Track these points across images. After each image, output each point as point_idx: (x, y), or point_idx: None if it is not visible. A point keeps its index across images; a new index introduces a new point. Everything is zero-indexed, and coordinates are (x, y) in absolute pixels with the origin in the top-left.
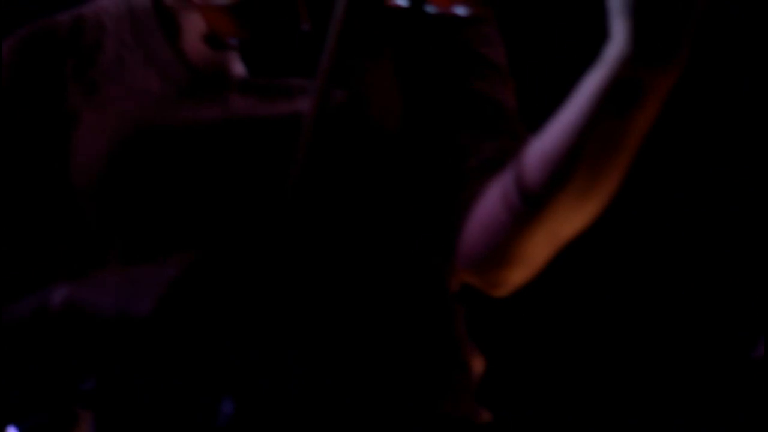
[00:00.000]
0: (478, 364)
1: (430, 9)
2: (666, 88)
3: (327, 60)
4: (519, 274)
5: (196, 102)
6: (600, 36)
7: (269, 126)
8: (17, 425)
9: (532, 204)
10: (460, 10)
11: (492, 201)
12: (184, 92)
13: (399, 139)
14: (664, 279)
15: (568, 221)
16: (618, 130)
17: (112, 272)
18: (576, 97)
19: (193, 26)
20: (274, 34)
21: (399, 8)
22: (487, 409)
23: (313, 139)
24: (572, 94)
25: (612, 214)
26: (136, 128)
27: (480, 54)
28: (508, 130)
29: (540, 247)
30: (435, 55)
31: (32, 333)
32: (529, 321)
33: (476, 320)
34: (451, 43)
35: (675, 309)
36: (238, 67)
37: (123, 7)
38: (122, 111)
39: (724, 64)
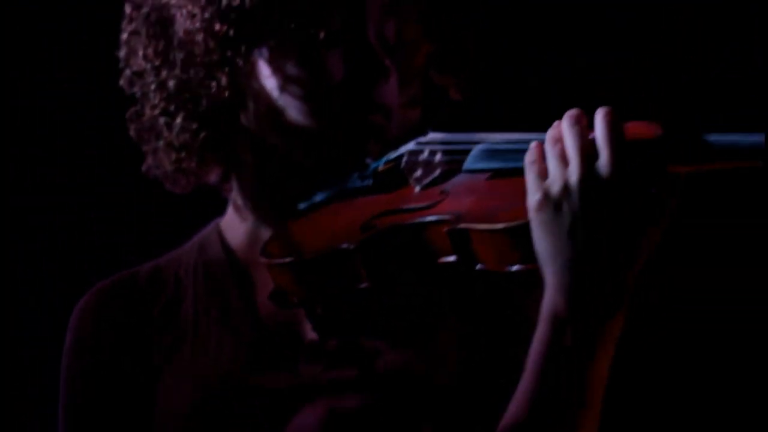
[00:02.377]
0: None
1: (480, 266)
2: (604, 336)
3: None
4: None
5: (266, 366)
6: None
7: (334, 391)
8: None
9: None
10: (514, 268)
11: None
12: (257, 355)
13: (456, 393)
14: None
15: None
16: (571, 377)
17: None
18: (531, 348)
19: (266, 282)
20: (333, 292)
21: (450, 265)
22: None
23: (362, 404)
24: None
25: None
26: (210, 393)
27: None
28: None
29: None
30: (492, 307)
31: None
32: None
33: None
34: (508, 295)
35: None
36: (309, 326)
37: (197, 259)
38: (198, 375)
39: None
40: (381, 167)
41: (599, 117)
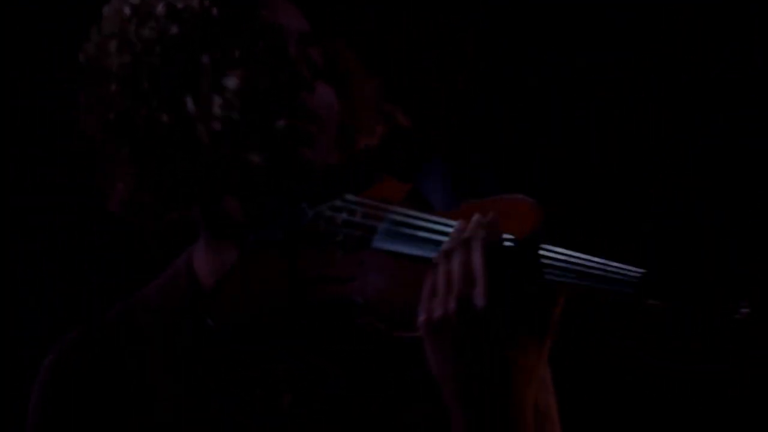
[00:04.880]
0: None
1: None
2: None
3: None
4: None
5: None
6: None
7: None
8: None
9: None
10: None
11: None
12: (221, 411)
13: None
14: None
15: None
16: None
17: None
18: None
19: None
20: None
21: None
22: None
23: None
24: None
25: None
26: None
27: None
28: None
29: None
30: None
31: None
32: None
33: None
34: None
35: None
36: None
37: (164, 303)
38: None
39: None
40: (307, 223)
41: (474, 246)
